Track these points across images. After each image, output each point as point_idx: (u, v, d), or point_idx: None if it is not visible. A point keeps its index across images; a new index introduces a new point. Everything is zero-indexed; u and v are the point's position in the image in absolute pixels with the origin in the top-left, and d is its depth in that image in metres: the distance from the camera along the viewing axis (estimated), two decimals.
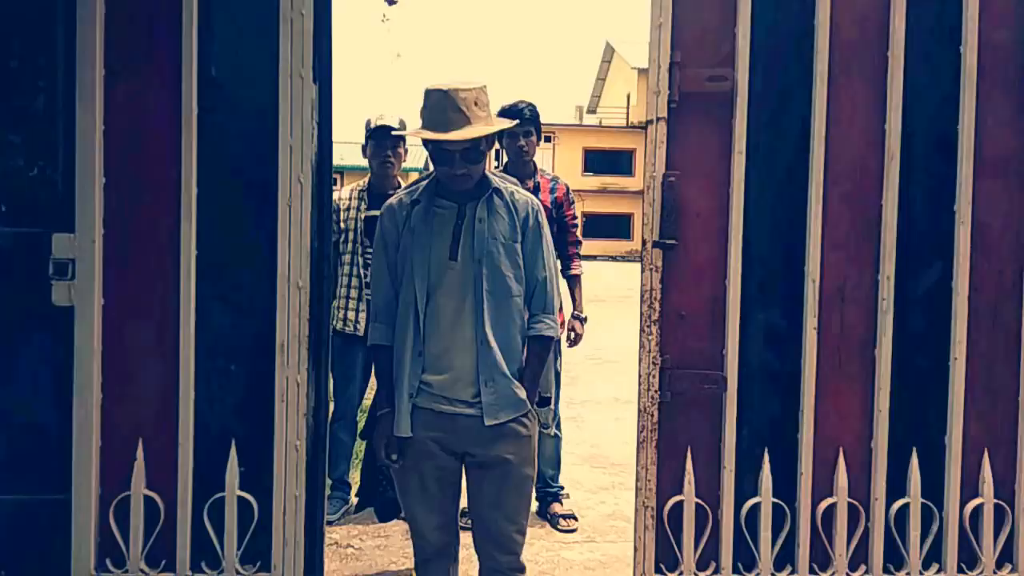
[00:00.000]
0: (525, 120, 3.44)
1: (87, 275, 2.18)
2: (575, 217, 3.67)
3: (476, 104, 2.10)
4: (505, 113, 3.40)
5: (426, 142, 2.11)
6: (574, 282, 3.65)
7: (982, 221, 2.39)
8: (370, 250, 3.25)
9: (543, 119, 3.66)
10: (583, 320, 3.63)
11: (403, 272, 2.17)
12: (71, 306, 2.19)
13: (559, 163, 27.51)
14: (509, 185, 2.23)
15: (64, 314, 2.20)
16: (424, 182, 2.23)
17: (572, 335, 3.60)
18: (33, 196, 2.24)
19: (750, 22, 2.31)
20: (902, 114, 2.34)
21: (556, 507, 3.58)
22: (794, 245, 2.37)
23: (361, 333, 3.34)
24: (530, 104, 3.60)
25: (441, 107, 2.08)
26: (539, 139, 3.62)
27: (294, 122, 2.27)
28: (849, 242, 2.38)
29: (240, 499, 2.26)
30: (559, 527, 3.50)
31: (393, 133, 3.44)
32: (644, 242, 2.35)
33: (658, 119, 2.31)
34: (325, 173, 2.39)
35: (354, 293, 3.53)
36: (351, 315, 3.52)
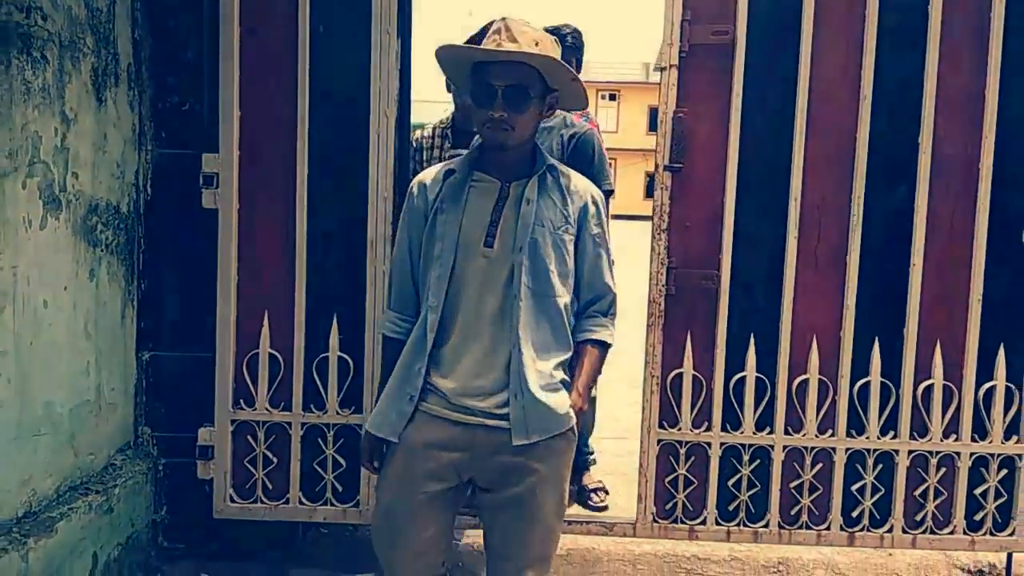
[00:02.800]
0: (565, 47, 2.97)
1: (227, 185, 2.88)
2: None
3: (537, 44, 1.84)
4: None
5: (472, 89, 1.88)
6: None
7: (940, 151, 2.87)
8: None
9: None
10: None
11: (426, 256, 1.92)
12: (215, 208, 2.90)
13: (623, 122, 27.45)
14: (564, 166, 2.00)
15: (211, 214, 2.92)
16: (465, 153, 2.01)
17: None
18: (186, 125, 2.94)
19: None
20: (875, 60, 2.83)
21: (586, 479, 3.52)
22: (780, 170, 2.89)
23: None
24: (574, 30, 3.25)
25: (495, 31, 1.86)
26: (579, 70, 3.21)
27: (382, 67, 2.88)
28: (827, 168, 2.89)
29: (340, 358, 2.96)
30: (590, 503, 3.46)
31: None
32: (656, 166, 2.91)
33: (670, 66, 2.85)
34: (405, 109, 3.00)
35: None
36: None
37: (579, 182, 1.96)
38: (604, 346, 1.97)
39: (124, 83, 2.85)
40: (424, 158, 3.36)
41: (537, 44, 1.83)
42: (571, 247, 1.90)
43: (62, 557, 2.53)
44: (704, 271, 2.93)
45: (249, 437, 2.97)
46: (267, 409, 2.97)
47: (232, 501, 2.97)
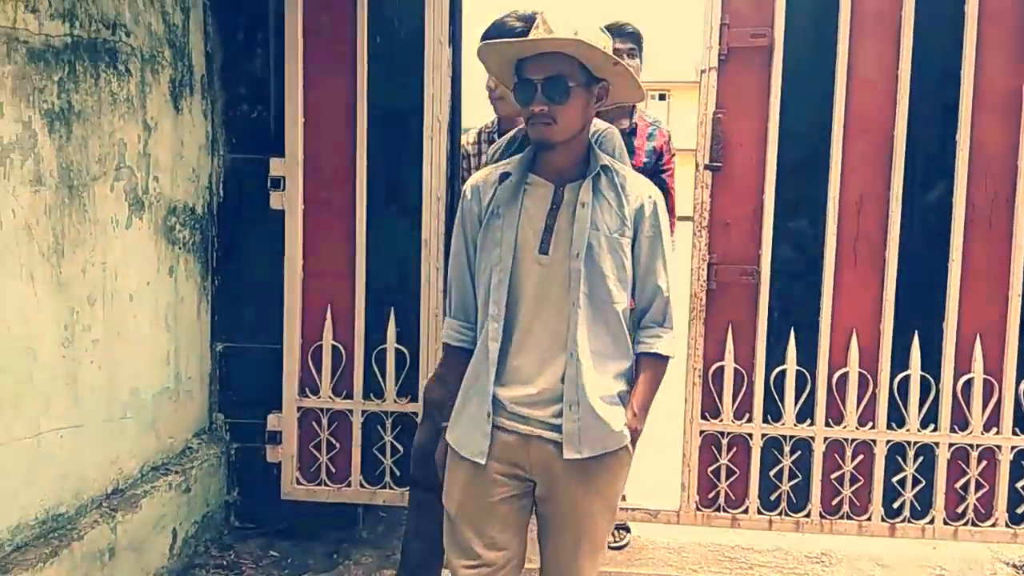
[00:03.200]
0: (627, 35, 2.97)
1: (293, 187, 3.09)
2: (673, 174, 3.18)
3: (576, 33, 1.75)
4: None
5: (515, 87, 1.81)
6: None
7: (978, 148, 2.92)
8: None
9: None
10: None
11: (481, 262, 1.86)
12: (282, 209, 3.12)
13: (674, 122, 27.37)
14: (620, 165, 1.91)
15: (278, 215, 3.13)
16: (519, 156, 1.92)
17: None
18: (255, 132, 3.16)
19: None
20: (911, 60, 2.90)
21: None
22: (819, 167, 2.98)
23: None
24: (631, 24, 3.08)
25: (534, 27, 1.79)
26: (640, 60, 3.08)
27: (435, 75, 3.06)
28: (865, 165, 2.97)
29: (397, 350, 3.15)
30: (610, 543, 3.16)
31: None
32: (697, 166, 3.02)
33: (709, 69, 2.96)
34: (456, 115, 3.18)
35: None
36: None
37: (635, 182, 1.87)
38: (661, 359, 1.88)
39: (198, 93, 3.08)
40: (470, 165, 3.27)
41: (576, 33, 1.73)
42: (628, 250, 1.82)
43: (145, 532, 2.76)
44: (744, 266, 3.03)
45: (314, 423, 3.17)
46: (330, 397, 3.16)
47: (298, 483, 3.18)
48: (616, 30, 2.82)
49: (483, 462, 1.82)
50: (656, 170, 3.11)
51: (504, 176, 1.87)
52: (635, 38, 3.05)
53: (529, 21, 2.08)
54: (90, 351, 2.55)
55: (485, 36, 2.06)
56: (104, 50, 2.56)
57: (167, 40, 2.88)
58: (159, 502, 2.83)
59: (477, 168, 2.96)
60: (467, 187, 1.93)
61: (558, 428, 1.78)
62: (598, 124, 2.08)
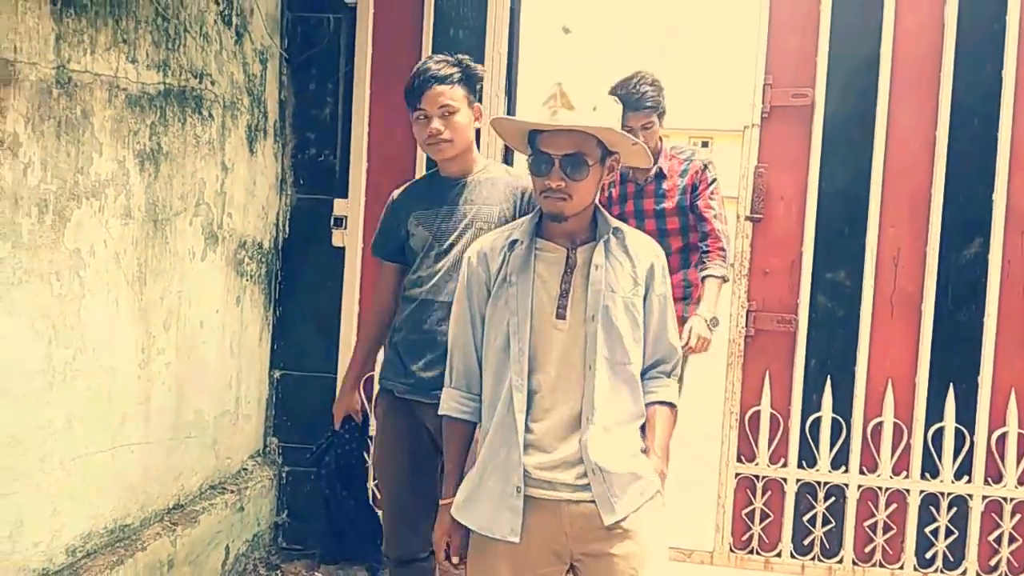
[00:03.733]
0: (645, 108, 2.87)
1: (354, 226, 3.30)
2: (711, 199, 2.98)
3: (595, 109, 1.81)
4: (618, 91, 2.84)
5: (529, 157, 1.83)
6: (710, 282, 2.92)
7: (1015, 206, 3.01)
8: None
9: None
10: (713, 322, 2.87)
11: (491, 331, 1.83)
12: (343, 247, 3.32)
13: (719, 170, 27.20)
14: (626, 227, 1.92)
15: (338, 252, 3.33)
16: (523, 221, 1.92)
17: (693, 340, 2.81)
18: (320, 174, 3.38)
19: (827, 53, 3.07)
20: (949, 121, 3.01)
21: None
22: (857, 222, 3.09)
23: None
24: (649, 81, 2.90)
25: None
26: (661, 120, 2.96)
27: (494, 82, 3.21)
28: (903, 221, 3.07)
29: None
30: None
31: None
32: (738, 217, 3.15)
33: (752, 125, 3.11)
34: (509, 161, 3.35)
35: None
36: None
37: (641, 242, 1.91)
38: (673, 406, 1.91)
39: (271, 137, 3.32)
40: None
41: (596, 108, 1.78)
42: (641, 309, 1.84)
43: (202, 546, 2.92)
44: (782, 315, 3.13)
45: None
46: None
47: None
48: (633, 101, 2.83)
49: (517, 540, 1.74)
50: (693, 203, 2.99)
51: (513, 243, 1.85)
52: (653, 109, 2.89)
53: (457, 66, 2.26)
54: (162, 373, 2.74)
55: (412, 75, 2.28)
56: (191, 97, 2.80)
57: (246, 88, 3.12)
58: (215, 519, 3.00)
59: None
60: (472, 253, 1.92)
61: (586, 488, 1.75)
62: (527, 184, 2.18)
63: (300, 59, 3.34)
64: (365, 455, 2.62)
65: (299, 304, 3.41)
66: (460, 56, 2.31)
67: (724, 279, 2.92)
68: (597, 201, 1.89)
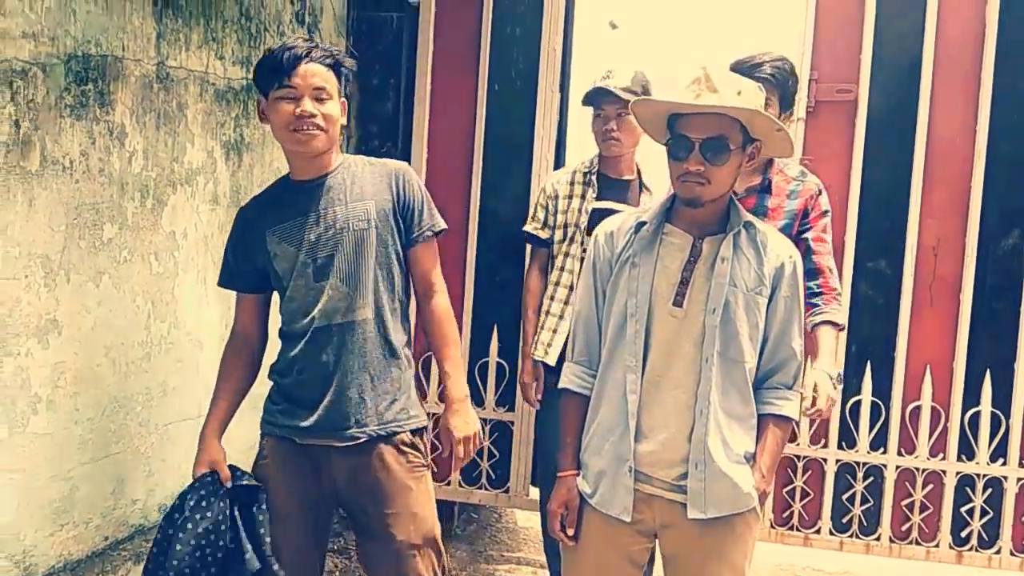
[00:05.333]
0: (766, 83, 2.20)
1: None
2: (825, 232, 2.45)
3: (740, 94, 1.72)
4: (737, 71, 2.21)
5: (668, 140, 1.78)
6: (826, 330, 2.37)
7: None
8: None
9: None
10: (838, 379, 2.35)
11: (609, 309, 1.86)
12: None
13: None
14: (761, 223, 1.87)
15: None
16: (656, 204, 1.92)
17: (822, 402, 2.17)
18: None
19: (871, 50, 3.19)
20: (989, 116, 3.12)
21: None
22: (899, 213, 3.21)
23: (553, 362, 2.81)
24: (777, 59, 2.34)
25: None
26: (790, 110, 2.41)
27: (545, 117, 3.39)
28: (942, 212, 3.19)
29: (498, 363, 3.48)
30: None
31: (613, 90, 2.68)
32: None
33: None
34: (561, 152, 3.52)
35: (556, 308, 2.83)
36: (546, 336, 2.84)
37: (776, 240, 1.85)
38: (788, 421, 1.84)
39: None
40: (557, 208, 2.87)
41: (740, 93, 1.72)
42: (763, 309, 1.79)
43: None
44: None
45: None
46: (437, 403, 3.48)
47: None
48: (747, 66, 2.30)
49: (628, 519, 1.81)
50: (798, 233, 2.41)
51: (640, 225, 1.86)
52: (775, 84, 2.31)
53: (327, 50, 2.00)
54: None
55: (278, 49, 1.97)
56: None
57: None
58: None
59: (574, 213, 2.80)
60: (600, 232, 1.93)
61: (681, 489, 1.76)
62: (398, 165, 2.11)
63: (365, 56, 3.53)
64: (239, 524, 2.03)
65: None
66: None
67: (841, 327, 2.43)
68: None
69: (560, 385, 1.97)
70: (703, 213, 1.82)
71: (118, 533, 2.44)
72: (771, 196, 2.42)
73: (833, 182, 3.23)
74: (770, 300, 1.81)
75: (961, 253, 3.18)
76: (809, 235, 2.43)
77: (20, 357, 2.01)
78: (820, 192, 2.47)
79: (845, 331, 2.93)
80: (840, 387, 2.66)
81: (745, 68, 2.28)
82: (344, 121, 2.04)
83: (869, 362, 3.25)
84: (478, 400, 3.49)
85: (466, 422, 2.07)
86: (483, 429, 3.43)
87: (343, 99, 2.05)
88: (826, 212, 2.46)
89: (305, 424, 2.03)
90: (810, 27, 3.22)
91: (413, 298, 2.20)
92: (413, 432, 2.07)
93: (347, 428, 1.99)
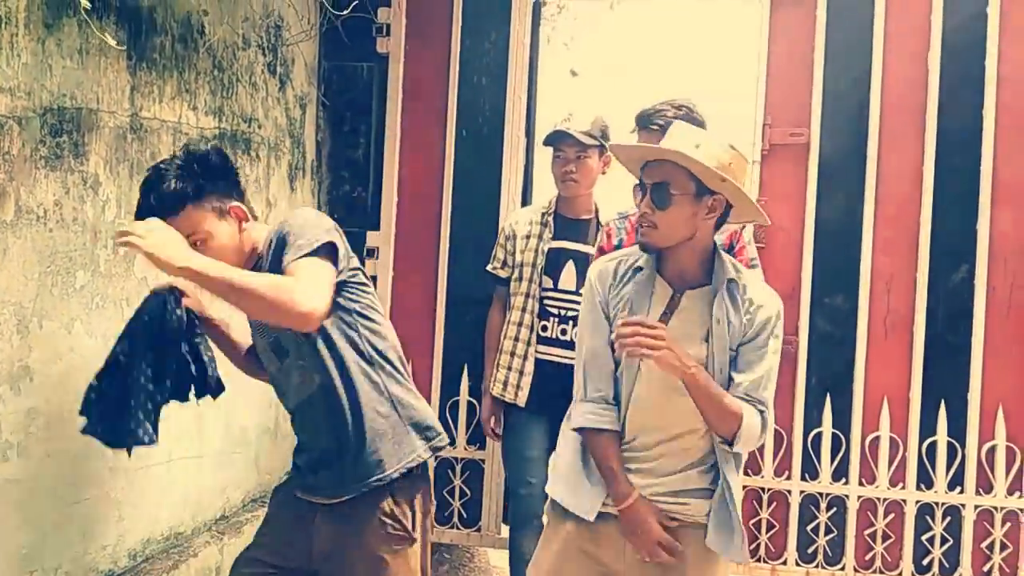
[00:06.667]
0: (654, 124, 2.55)
1: (385, 256, 3.56)
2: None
3: (698, 147, 1.77)
4: (640, 118, 2.62)
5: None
6: None
7: (997, 236, 3.25)
8: (550, 292, 2.91)
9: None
10: None
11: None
12: (375, 275, 3.57)
13: None
14: (747, 276, 1.92)
15: (371, 280, 3.53)
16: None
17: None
18: (354, 209, 3.65)
19: (821, 95, 3.34)
20: (935, 156, 3.27)
21: None
22: (852, 249, 3.33)
23: (523, 404, 2.93)
24: (678, 106, 2.58)
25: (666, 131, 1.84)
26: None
27: (511, 163, 3.49)
28: (894, 249, 3.32)
29: (468, 402, 3.53)
30: None
31: (572, 133, 2.83)
32: None
33: (754, 162, 3.38)
34: (528, 196, 3.62)
35: (520, 349, 2.93)
36: (512, 378, 2.93)
37: (759, 293, 1.90)
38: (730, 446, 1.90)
39: (308, 175, 3.59)
40: (515, 248, 3.00)
41: (698, 147, 1.77)
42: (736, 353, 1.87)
43: None
44: (784, 336, 3.34)
45: None
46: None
47: None
48: (642, 119, 2.59)
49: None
50: None
51: (637, 270, 1.92)
52: (661, 130, 2.42)
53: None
54: None
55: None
56: (242, 140, 3.07)
57: (288, 131, 3.40)
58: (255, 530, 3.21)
59: (531, 253, 2.92)
60: (594, 274, 1.99)
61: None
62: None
63: (336, 104, 3.63)
64: None
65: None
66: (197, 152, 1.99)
67: None
68: (713, 240, 1.89)
69: (576, 426, 1.98)
70: (681, 264, 1.88)
71: None
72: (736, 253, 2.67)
73: (788, 221, 3.36)
74: (748, 344, 1.87)
75: (913, 287, 3.30)
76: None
77: None
78: (740, 235, 2.69)
79: (803, 356, 3.21)
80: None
81: (646, 116, 2.53)
82: (244, 227, 1.97)
83: (828, 394, 3.35)
84: (450, 440, 3.52)
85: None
86: (454, 468, 3.50)
87: (232, 206, 1.96)
88: (749, 242, 2.72)
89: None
90: (763, 73, 3.37)
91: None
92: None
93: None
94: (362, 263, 3.55)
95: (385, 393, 2.01)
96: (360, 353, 1.99)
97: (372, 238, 3.57)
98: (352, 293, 2.02)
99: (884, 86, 3.30)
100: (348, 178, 3.66)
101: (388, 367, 2.03)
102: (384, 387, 2.01)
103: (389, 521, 1.95)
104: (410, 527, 1.96)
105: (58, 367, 2.25)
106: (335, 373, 1.97)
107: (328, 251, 1.89)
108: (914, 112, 3.30)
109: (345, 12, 3.20)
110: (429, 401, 3.54)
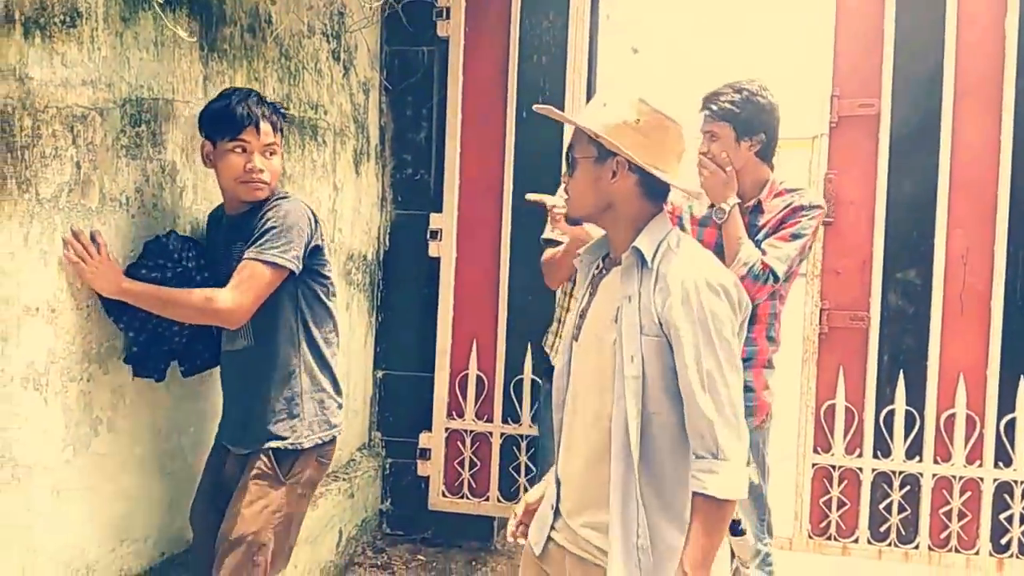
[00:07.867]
0: (714, 111, 2.43)
1: (448, 238, 3.60)
2: (782, 240, 2.40)
3: (605, 106, 1.61)
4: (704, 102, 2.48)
5: None
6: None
7: None
8: None
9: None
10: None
11: None
12: (438, 257, 3.63)
13: (780, 176, 26.94)
14: (672, 239, 1.60)
15: (434, 262, 3.64)
16: None
17: None
18: (416, 191, 3.71)
19: (892, 65, 3.24)
20: (1013, 126, 3.15)
21: None
22: (926, 223, 3.24)
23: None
24: (738, 90, 2.44)
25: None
26: (748, 137, 2.44)
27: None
28: (969, 222, 3.21)
29: (533, 380, 3.57)
30: None
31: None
32: None
33: (822, 135, 3.30)
34: None
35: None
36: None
37: (673, 268, 1.55)
38: (717, 502, 1.48)
39: (372, 159, 3.66)
40: None
41: (605, 105, 1.60)
42: (667, 348, 1.53)
43: (320, 528, 3.24)
44: (854, 312, 3.30)
45: (459, 443, 3.62)
46: (474, 420, 3.61)
47: (443, 496, 3.62)
48: (704, 103, 2.46)
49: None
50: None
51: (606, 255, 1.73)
52: (716, 115, 2.43)
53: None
54: None
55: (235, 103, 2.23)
56: (308, 126, 3.15)
57: (352, 116, 3.47)
58: (331, 504, 3.32)
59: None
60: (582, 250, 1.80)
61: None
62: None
63: (398, 88, 3.68)
64: None
65: (399, 310, 3.73)
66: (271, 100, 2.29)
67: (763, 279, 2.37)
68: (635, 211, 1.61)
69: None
70: (614, 237, 1.65)
71: (172, 548, 2.56)
72: (762, 214, 2.47)
73: (859, 195, 3.29)
74: (670, 337, 1.53)
75: (990, 262, 3.20)
76: (770, 238, 2.42)
77: (82, 383, 2.15)
78: (807, 207, 2.43)
79: (875, 332, 3.18)
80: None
81: (705, 99, 2.47)
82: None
83: (902, 371, 3.27)
84: (514, 416, 3.58)
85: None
86: (519, 445, 3.55)
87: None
88: (799, 223, 2.40)
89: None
90: (831, 44, 3.28)
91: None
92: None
93: None
94: (424, 245, 3.64)
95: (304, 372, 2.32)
96: (297, 332, 2.28)
97: (435, 220, 3.63)
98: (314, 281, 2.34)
99: (958, 54, 3.19)
100: (411, 161, 3.71)
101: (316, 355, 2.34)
102: (305, 367, 2.32)
103: (266, 462, 2.23)
104: (282, 476, 2.23)
105: None
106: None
107: (281, 267, 2.15)
108: (990, 77, 3.18)
109: None
110: (493, 381, 3.59)
